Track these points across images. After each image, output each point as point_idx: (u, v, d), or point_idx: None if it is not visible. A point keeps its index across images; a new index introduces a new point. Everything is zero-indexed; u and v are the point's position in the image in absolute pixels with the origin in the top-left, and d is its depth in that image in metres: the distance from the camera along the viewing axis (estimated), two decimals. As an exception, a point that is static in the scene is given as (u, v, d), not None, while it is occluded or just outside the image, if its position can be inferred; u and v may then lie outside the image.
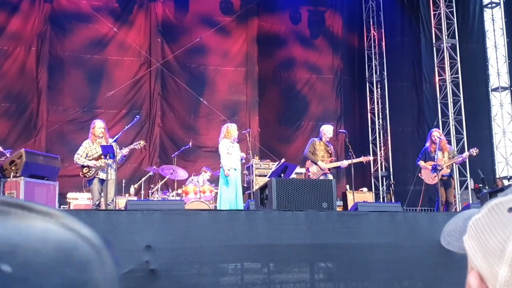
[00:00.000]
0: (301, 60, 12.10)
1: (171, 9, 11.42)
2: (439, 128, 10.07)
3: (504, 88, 12.18)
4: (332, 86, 12.19)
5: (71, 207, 8.03)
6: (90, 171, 6.19)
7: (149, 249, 3.56)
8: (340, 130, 10.07)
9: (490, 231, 0.52)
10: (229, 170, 6.97)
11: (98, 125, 6.37)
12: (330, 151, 7.55)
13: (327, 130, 7.58)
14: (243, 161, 7.39)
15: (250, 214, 4.23)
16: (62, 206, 8.31)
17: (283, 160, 7.83)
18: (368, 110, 12.67)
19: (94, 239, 0.33)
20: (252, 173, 8.30)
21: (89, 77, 10.68)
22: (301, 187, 4.68)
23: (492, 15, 12.51)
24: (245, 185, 8.96)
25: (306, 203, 4.62)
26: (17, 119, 10.15)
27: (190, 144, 8.49)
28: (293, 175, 7.68)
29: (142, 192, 8.64)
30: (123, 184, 8.72)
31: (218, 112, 11.08)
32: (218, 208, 7.03)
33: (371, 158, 8.49)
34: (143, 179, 8.85)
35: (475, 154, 7.37)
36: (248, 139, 7.80)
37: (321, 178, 7.35)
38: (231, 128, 7.18)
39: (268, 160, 9.33)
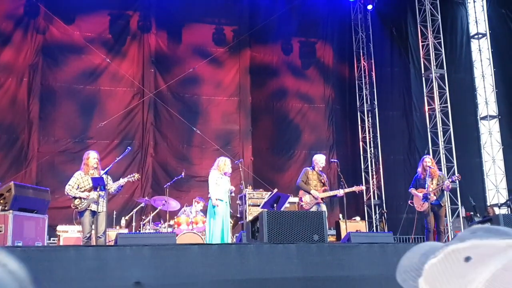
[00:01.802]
0: (293, 90, 12.24)
1: (164, 40, 11.58)
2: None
3: (493, 117, 12.35)
4: (324, 115, 12.31)
5: (61, 240, 7.91)
6: (82, 203, 6.11)
7: (139, 285, 3.51)
8: (332, 160, 10.10)
9: (445, 280, 0.50)
10: (216, 200, 6.95)
11: (93, 156, 6.34)
12: (323, 180, 7.56)
13: (320, 159, 7.61)
14: (232, 194, 7.35)
15: (241, 248, 4.20)
16: (52, 239, 8.19)
17: (275, 190, 7.82)
18: (360, 139, 12.77)
19: (20, 274, 0.35)
20: (245, 203, 8.27)
21: (81, 107, 10.70)
22: (292, 219, 4.67)
23: (479, 46, 12.81)
24: (238, 215, 8.90)
25: (297, 235, 4.60)
26: (7, 150, 10.09)
27: (183, 174, 8.45)
28: (286, 205, 7.65)
29: (134, 224, 8.53)
30: (114, 216, 8.62)
31: (211, 141, 11.11)
32: (207, 241, 6.95)
33: (363, 187, 8.49)
34: (135, 210, 8.75)
35: (455, 179, 7.48)
36: (240, 169, 7.79)
37: (314, 208, 7.33)
38: (223, 163, 7.19)
39: (261, 190, 9.32)
